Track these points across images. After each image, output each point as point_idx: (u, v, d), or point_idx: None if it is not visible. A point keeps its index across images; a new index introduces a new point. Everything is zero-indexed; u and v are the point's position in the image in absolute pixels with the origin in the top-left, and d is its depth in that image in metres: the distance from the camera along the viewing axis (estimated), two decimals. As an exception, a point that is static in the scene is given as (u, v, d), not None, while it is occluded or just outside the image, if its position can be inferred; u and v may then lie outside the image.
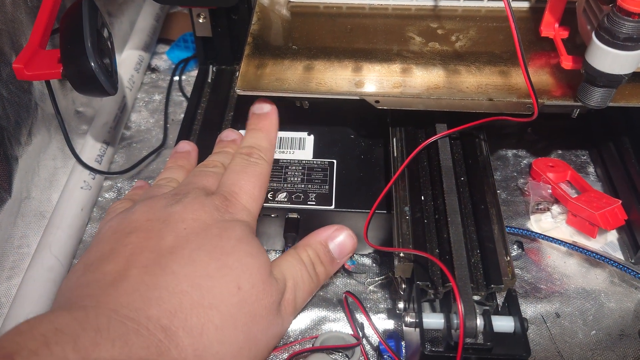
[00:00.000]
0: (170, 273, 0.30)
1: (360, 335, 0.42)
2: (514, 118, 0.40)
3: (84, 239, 0.50)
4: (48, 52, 0.41)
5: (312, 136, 0.48)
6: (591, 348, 0.42)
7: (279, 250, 0.48)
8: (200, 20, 0.54)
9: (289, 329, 0.42)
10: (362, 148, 0.48)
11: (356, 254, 0.48)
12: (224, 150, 0.44)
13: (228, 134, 0.46)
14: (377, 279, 0.46)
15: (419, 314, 0.34)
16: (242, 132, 0.49)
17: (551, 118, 0.58)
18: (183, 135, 0.51)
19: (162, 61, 0.68)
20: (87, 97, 0.57)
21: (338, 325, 0.43)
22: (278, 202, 0.43)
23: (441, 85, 0.42)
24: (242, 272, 0.32)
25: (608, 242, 0.49)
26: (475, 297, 0.35)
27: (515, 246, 0.49)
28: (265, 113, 0.45)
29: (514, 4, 0.50)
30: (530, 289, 0.46)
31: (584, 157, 0.56)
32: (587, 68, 0.37)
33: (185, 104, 0.62)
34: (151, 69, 0.67)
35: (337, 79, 0.44)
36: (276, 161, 0.46)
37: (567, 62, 0.41)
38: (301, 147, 0.47)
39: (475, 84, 0.42)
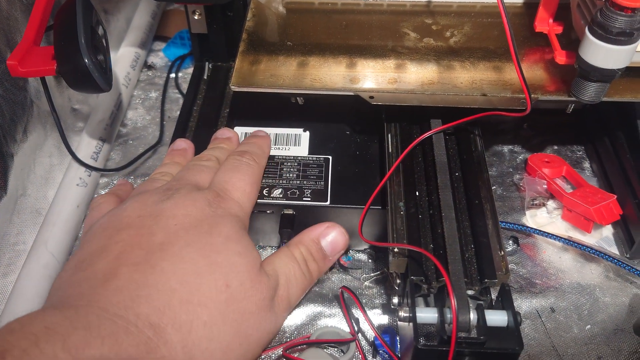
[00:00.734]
0: (159, 271, 0.30)
1: (356, 330, 0.42)
2: (507, 113, 0.40)
3: (80, 236, 0.50)
4: (42, 49, 0.41)
5: (307, 132, 0.48)
6: (586, 342, 0.42)
7: (275, 247, 0.48)
8: (196, 17, 0.54)
9: (285, 324, 0.42)
10: (358, 144, 0.48)
11: (352, 250, 0.48)
12: (219, 146, 0.45)
13: (223, 132, 0.47)
14: (372, 274, 0.46)
15: (412, 308, 0.34)
16: (237, 129, 0.49)
17: (547, 114, 0.58)
18: (179, 132, 0.51)
19: (159, 58, 0.68)
20: (83, 95, 0.57)
21: (333, 320, 0.44)
22: (273, 198, 0.43)
23: (435, 80, 0.43)
24: (230, 270, 0.32)
25: (603, 237, 0.49)
26: (469, 292, 0.35)
27: (510, 241, 0.49)
28: (260, 135, 0.46)
29: (508, 0, 0.50)
30: (526, 283, 0.46)
31: (580, 153, 0.56)
32: (581, 63, 0.37)
33: (181, 101, 0.62)
34: (147, 66, 0.67)
35: (331, 75, 0.44)
36: (271, 157, 0.46)
37: (561, 57, 0.41)
38: (297, 143, 0.47)
39: (470, 79, 0.42)
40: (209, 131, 0.50)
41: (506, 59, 0.44)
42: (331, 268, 0.46)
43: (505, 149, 0.56)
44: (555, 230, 0.49)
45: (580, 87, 0.39)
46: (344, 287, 0.43)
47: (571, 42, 0.44)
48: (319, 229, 0.41)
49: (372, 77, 0.43)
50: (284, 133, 0.48)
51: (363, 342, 0.42)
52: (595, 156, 0.53)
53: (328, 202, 0.44)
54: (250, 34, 0.48)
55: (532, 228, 0.48)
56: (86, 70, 0.39)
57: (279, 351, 0.41)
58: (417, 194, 0.41)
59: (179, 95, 0.63)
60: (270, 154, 0.46)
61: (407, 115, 0.45)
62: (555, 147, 0.56)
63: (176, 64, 0.66)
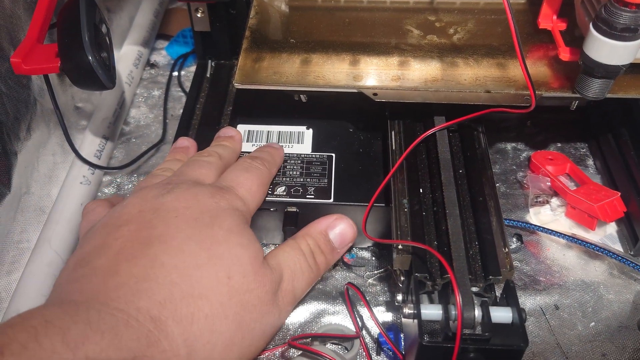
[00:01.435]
0: (159, 265, 0.30)
1: (360, 326, 0.42)
2: (512, 109, 0.40)
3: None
4: (46, 47, 0.41)
5: (310, 130, 0.48)
6: (590, 340, 0.42)
7: (278, 245, 0.48)
8: (199, 15, 0.54)
9: (288, 321, 0.42)
10: (361, 142, 0.48)
11: (355, 248, 0.48)
12: (221, 143, 0.44)
13: (226, 131, 0.47)
14: (376, 272, 0.46)
15: (417, 305, 0.34)
16: (240, 127, 0.49)
17: (550, 111, 0.58)
18: (182, 130, 0.51)
19: (161, 57, 0.68)
20: (86, 93, 0.57)
21: (337, 318, 0.44)
22: (277, 195, 0.43)
23: (439, 77, 0.42)
24: (232, 263, 0.32)
25: (607, 235, 0.49)
26: (474, 289, 0.35)
27: (514, 239, 0.49)
28: (274, 146, 0.46)
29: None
30: (530, 281, 0.46)
31: (583, 150, 0.56)
32: (585, 59, 0.37)
33: (184, 99, 0.62)
34: (150, 64, 0.67)
35: (335, 72, 0.44)
36: (275, 155, 0.46)
37: (565, 54, 0.41)
38: (300, 141, 0.47)
39: (473, 76, 0.42)
40: (212, 129, 0.50)
41: (510, 56, 0.44)
42: (336, 264, 0.46)
43: (509, 146, 0.56)
44: (559, 227, 0.49)
45: (585, 83, 0.39)
46: (349, 283, 0.43)
47: (575, 38, 0.44)
48: (326, 220, 0.40)
49: (375, 74, 0.43)
50: (287, 131, 0.48)
51: (367, 339, 0.42)
52: (599, 153, 0.53)
53: (332, 200, 0.43)
54: (253, 32, 0.48)
55: (535, 225, 0.48)
56: (90, 67, 0.39)
57: (278, 352, 0.41)
58: (420, 191, 0.41)
59: (182, 94, 0.63)
60: (274, 151, 0.46)
61: (411, 113, 0.45)
62: (559, 145, 0.56)
63: (179, 63, 0.66)
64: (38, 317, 0.25)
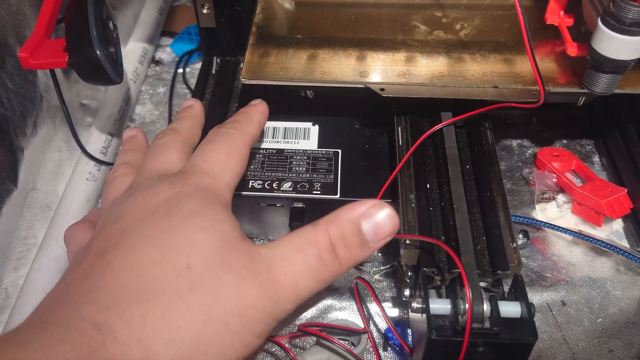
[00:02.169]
0: (110, 271, 0.27)
1: (367, 321, 0.42)
2: (520, 104, 0.40)
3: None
4: (53, 41, 0.41)
5: (316, 126, 0.48)
6: (597, 336, 0.42)
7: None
8: (204, 11, 0.53)
9: (293, 318, 0.42)
10: (367, 137, 0.48)
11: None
12: (180, 116, 0.40)
13: (184, 103, 0.42)
14: (382, 268, 0.46)
15: (425, 300, 0.34)
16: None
17: (556, 108, 0.58)
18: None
19: (166, 54, 0.68)
20: (92, 90, 0.57)
21: (344, 314, 0.44)
22: (283, 191, 0.43)
23: (446, 73, 0.42)
24: (192, 250, 0.27)
25: (614, 231, 0.48)
26: (482, 284, 0.35)
27: (520, 235, 0.49)
28: (252, 104, 0.41)
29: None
30: (536, 277, 0.46)
31: (589, 147, 0.56)
32: (593, 54, 0.37)
33: (189, 96, 0.62)
34: (155, 61, 0.67)
35: (341, 68, 0.43)
36: (281, 151, 0.46)
37: (572, 49, 0.41)
38: (306, 137, 0.47)
39: (480, 71, 0.42)
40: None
41: (517, 52, 0.44)
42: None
43: (515, 143, 0.56)
44: (565, 224, 0.49)
45: (593, 78, 0.39)
46: (359, 277, 0.43)
47: (582, 34, 0.44)
48: (361, 207, 0.30)
49: (382, 70, 0.43)
50: (293, 127, 0.48)
51: (375, 334, 0.42)
52: (605, 150, 0.53)
53: (338, 196, 0.43)
54: (259, 27, 0.48)
55: (542, 222, 0.48)
56: (98, 61, 0.39)
57: (286, 340, 0.41)
58: (428, 186, 0.41)
59: (187, 91, 0.64)
60: (280, 147, 0.46)
61: (418, 108, 0.45)
62: (565, 142, 0.56)
63: (184, 60, 0.66)
64: None
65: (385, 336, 0.42)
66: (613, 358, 0.41)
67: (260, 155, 0.46)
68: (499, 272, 0.35)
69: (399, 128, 0.45)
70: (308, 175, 0.45)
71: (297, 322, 0.43)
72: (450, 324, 0.34)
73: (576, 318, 0.43)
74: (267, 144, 0.47)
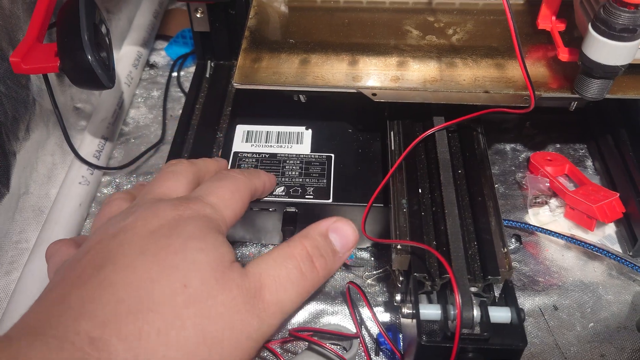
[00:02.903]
0: (108, 285, 0.27)
1: (359, 323, 0.42)
2: (511, 110, 0.40)
3: (82, 234, 0.50)
4: (45, 46, 0.41)
5: (310, 130, 0.48)
6: (589, 340, 0.42)
7: (277, 245, 0.48)
8: (198, 15, 0.54)
9: (286, 322, 0.42)
10: (360, 142, 0.48)
11: (354, 248, 0.48)
12: (203, 158, 0.41)
13: (216, 159, 0.44)
14: (374, 272, 0.46)
15: (415, 305, 0.34)
16: (239, 127, 0.49)
17: (549, 112, 0.58)
18: (181, 130, 0.51)
19: (161, 57, 0.68)
20: (86, 93, 0.57)
21: (336, 318, 0.44)
22: (276, 195, 0.43)
23: (438, 78, 0.43)
24: (189, 270, 0.28)
25: (606, 235, 0.49)
26: (473, 289, 0.35)
27: (513, 239, 0.49)
28: (263, 171, 0.43)
29: (511, -2, 0.50)
30: (528, 281, 0.46)
31: (582, 151, 0.56)
32: (584, 59, 0.37)
33: (183, 99, 0.62)
34: (150, 65, 0.67)
35: (334, 73, 0.44)
36: (274, 155, 0.46)
37: (564, 54, 0.41)
38: (299, 141, 0.47)
39: (472, 76, 0.42)
40: (211, 130, 0.50)
41: (509, 57, 0.44)
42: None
43: (508, 147, 0.56)
44: (557, 228, 0.49)
45: (584, 84, 0.39)
46: (351, 282, 0.43)
47: (574, 39, 0.44)
48: (327, 222, 0.36)
49: (374, 74, 0.43)
50: (286, 131, 0.48)
51: (367, 339, 0.42)
52: (597, 154, 0.53)
53: (330, 200, 0.44)
54: (252, 32, 0.48)
55: (534, 226, 0.48)
56: (89, 66, 0.39)
57: (277, 345, 0.41)
58: (419, 191, 0.41)
59: (181, 94, 0.64)
60: (273, 152, 0.46)
61: (410, 113, 0.45)
62: (558, 146, 0.56)
63: (178, 63, 0.67)
64: None
65: (377, 341, 0.42)
66: (604, 363, 0.41)
67: (253, 160, 0.46)
68: (489, 277, 0.35)
69: (392, 132, 0.45)
70: (301, 180, 0.45)
71: (289, 327, 0.43)
72: (441, 329, 0.34)
73: (568, 322, 0.43)
74: (261, 148, 0.47)
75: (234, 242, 0.49)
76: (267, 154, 0.46)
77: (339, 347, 0.41)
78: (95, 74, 0.39)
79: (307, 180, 0.45)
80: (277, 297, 0.31)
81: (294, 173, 0.45)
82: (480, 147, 0.44)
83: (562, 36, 0.44)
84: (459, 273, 0.34)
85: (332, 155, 0.46)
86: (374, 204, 0.42)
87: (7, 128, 0.44)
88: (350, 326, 0.43)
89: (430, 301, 0.38)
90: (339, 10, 0.50)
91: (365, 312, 0.43)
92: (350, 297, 0.43)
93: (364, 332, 0.43)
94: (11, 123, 0.45)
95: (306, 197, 0.44)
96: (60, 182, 0.51)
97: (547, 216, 0.50)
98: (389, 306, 0.44)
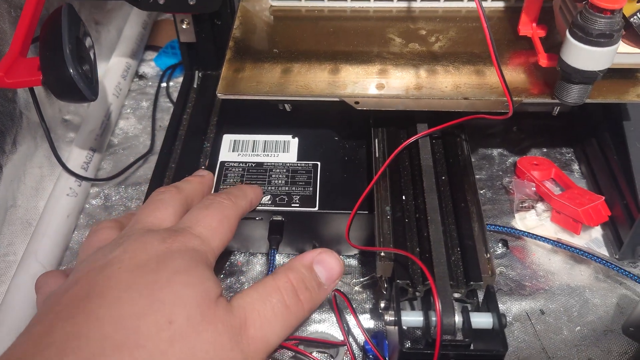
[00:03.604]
0: (94, 319, 0.27)
1: (346, 331, 0.42)
2: (490, 116, 0.40)
3: (70, 246, 0.50)
4: (28, 60, 0.41)
5: (296, 139, 0.49)
6: (576, 344, 0.43)
7: (264, 254, 0.48)
8: (184, 26, 0.54)
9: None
10: (346, 150, 0.48)
11: (342, 255, 0.48)
12: (186, 179, 0.41)
13: (198, 172, 0.44)
14: (362, 279, 0.46)
15: (397, 312, 0.34)
16: (226, 136, 0.49)
17: (535, 116, 0.58)
18: (169, 140, 0.51)
19: (150, 68, 0.69)
20: (74, 105, 0.57)
21: (323, 326, 0.44)
22: (262, 204, 0.44)
23: (420, 85, 0.43)
24: (175, 305, 0.28)
25: (593, 239, 0.49)
26: (456, 295, 0.35)
27: (500, 244, 0.49)
28: (250, 185, 0.44)
29: (493, 4, 0.50)
30: (515, 286, 0.46)
31: (569, 155, 0.56)
32: (563, 65, 0.38)
33: (172, 109, 0.62)
34: (139, 76, 0.68)
35: (317, 81, 0.44)
36: (260, 164, 0.46)
37: (543, 60, 0.42)
38: (285, 149, 0.48)
39: (454, 83, 0.43)
40: (199, 139, 0.50)
41: (490, 63, 0.44)
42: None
43: (495, 152, 0.57)
44: (544, 232, 0.49)
45: (563, 89, 0.39)
46: (337, 290, 0.43)
47: (555, 45, 0.44)
48: (311, 254, 0.36)
49: (357, 83, 0.44)
50: (272, 140, 0.48)
51: (354, 346, 0.42)
52: (583, 158, 0.53)
53: (317, 208, 0.44)
54: (237, 42, 0.48)
55: (521, 230, 0.48)
56: (71, 80, 0.39)
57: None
58: (403, 198, 0.41)
59: (170, 105, 0.64)
60: (259, 160, 0.47)
61: (394, 120, 0.46)
62: (545, 150, 0.56)
63: (167, 74, 0.67)
64: None
65: (364, 348, 0.42)
66: (591, 366, 0.41)
67: (240, 169, 0.46)
68: (472, 283, 0.35)
69: (376, 140, 0.45)
70: (287, 188, 0.45)
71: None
72: (423, 335, 0.34)
73: (555, 326, 0.44)
74: (247, 157, 0.47)
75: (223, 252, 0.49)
76: (253, 163, 0.47)
77: (325, 354, 0.41)
78: (78, 87, 0.39)
79: (294, 188, 0.45)
80: (262, 333, 0.31)
81: (280, 182, 0.45)
82: (463, 154, 0.44)
83: (544, 42, 0.44)
84: (440, 279, 0.35)
85: (318, 163, 0.47)
86: (359, 212, 0.42)
87: (-7, 141, 0.45)
88: (337, 334, 0.43)
89: (413, 308, 0.38)
90: (323, 19, 0.51)
91: (352, 319, 0.44)
92: (337, 305, 0.43)
93: (351, 339, 0.43)
94: (-2, 136, 0.45)
95: (292, 205, 0.44)
96: (49, 194, 0.51)
97: (533, 220, 0.50)
98: (376, 313, 0.44)
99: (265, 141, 0.48)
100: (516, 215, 0.50)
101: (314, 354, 0.41)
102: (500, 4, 0.51)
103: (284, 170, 0.46)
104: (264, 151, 0.48)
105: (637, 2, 0.36)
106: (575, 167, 0.55)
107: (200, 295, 0.29)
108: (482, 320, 0.33)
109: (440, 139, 0.45)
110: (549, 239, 0.47)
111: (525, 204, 0.51)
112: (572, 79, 0.38)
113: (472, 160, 0.54)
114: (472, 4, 0.50)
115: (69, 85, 0.39)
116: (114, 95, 0.61)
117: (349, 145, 0.48)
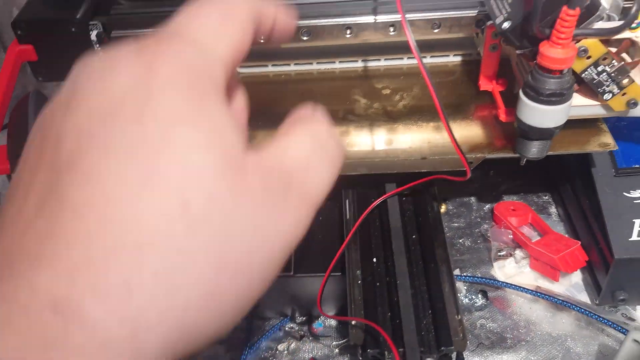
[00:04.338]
0: (69, 208, 0.18)
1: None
2: (449, 177, 0.41)
3: None
4: (-2, 148, 0.42)
5: (270, 202, 0.49)
6: (559, 397, 0.42)
7: (238, 328, 0.48)
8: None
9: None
10: (322, 211, 0.48)
11: (322, 317, 0.48)
12: None
13: None
14: (341, 341, 0.46)
15: (367, 383, 0.34)
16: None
17: (511, 160, 0.58)
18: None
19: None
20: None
21: (304, 392, 0.43)
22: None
23: (383, 147, 0.43)
24: (185, 179, 0.18)
25: (573, 284, 0.49)
26: (428, 360, 0.35)
27: (480, 295, 0.49)
28: None
29: (456, 58, 0.51)
30: (497, 339, 0.46)
31: (546, 197, 0.56)
32: (519, 123, 0.38)
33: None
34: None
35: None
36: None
37: (503, 115, 0.42)
38: (260, 213, 0.48)
39: (416, 143, 0.43)
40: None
41: (453, 120, 0.45)
42: (302, 337, 0.46)
43: (472, 199, 0.57)
44: (524, 279, 0.49)
45: (523, 145, 0.40)
46: (312, 358, 0.43)
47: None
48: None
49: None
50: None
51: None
52: (560, 201, 0.54)
53: (292, 272, 0.44)
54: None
55: (499, 281, 0.48)
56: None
57: None
58: (374, 260, 0.41)
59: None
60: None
61: (364, 181, 0.46)
62: (522, 194, 0.56)
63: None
64: None
65: (344, 415, 0.41)
66: (575, 420, 0.41)
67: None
68: (442, 348, 0.35)
69: (347, 201, 0.46)
70: (262, 254, 0.45)
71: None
72: (394, 407, 0.34)
73: (538, 379, 0.43)
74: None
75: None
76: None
77: None
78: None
79: (268, 254, 0.45)
80: (309, 187, 0.22)
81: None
82: (433, 211, 0.44)
83: (506, 95, 0.44)
84: (410, 347, 0.35)
85: (292, 226, 0.47)
86: (332, 274, 0.42)
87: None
88: (318, 400, 0.42)
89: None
90: (291, 82, 0.52)
91: (333, 384, 0.43)
92: (317, 370, 0.43)
93: (332, 405, 0.42)
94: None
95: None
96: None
97: (512, 268, 0.50)
98: (357, 376, 0.44)
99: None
100: (495, 264, 0.50)
101: None
102: (465, 57, 0.51)
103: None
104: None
105: (587, 59, 0.37)
106: (553, 209, 0.55)
107: (222, 158, 0.19)
108: (451, 389, 0.33)
109: (410, 196, 0.45)
110: (528, 289, 0.47)
111: (504, 252, 0.51)
112: (530, 137, 0.38)
113: (450, 208, 0.55)
114: (436, 60, 0.51)
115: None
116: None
117: (324, 206, 0.48)
